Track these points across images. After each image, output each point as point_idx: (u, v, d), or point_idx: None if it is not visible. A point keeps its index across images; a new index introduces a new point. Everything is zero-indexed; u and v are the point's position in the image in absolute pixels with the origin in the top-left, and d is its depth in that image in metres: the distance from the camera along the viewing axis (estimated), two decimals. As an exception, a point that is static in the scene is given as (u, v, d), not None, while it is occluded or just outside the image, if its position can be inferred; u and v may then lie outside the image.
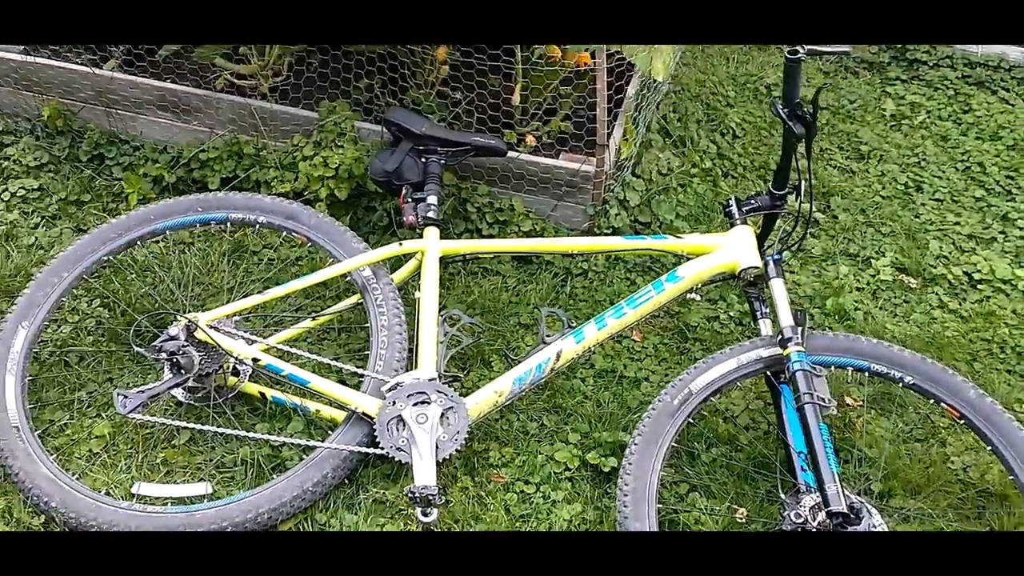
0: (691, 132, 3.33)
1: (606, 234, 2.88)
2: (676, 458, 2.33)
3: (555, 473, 2.30)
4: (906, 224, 3.15)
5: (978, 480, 2.31)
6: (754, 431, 2.44)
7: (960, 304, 2.90)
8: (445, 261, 2.59)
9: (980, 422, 2.17)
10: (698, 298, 2.85)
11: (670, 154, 3.25)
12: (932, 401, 2.24)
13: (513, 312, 2.74)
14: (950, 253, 3.05)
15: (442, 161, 2.66)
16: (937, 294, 2.92)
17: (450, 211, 2.92)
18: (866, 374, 2.28)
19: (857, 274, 2.97)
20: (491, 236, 2.90)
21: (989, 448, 2.16)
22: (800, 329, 2.24)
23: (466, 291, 2.82)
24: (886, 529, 2.09)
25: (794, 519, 2.06)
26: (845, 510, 2.02)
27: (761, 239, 2.48)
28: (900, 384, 2.25)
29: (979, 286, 2.95)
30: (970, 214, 3.21)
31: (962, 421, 2.20)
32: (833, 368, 2.29)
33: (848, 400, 2.53)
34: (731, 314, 2.79)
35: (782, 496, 2.15)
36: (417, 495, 2.04)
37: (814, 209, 3.08)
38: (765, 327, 2.37)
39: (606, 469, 2.28)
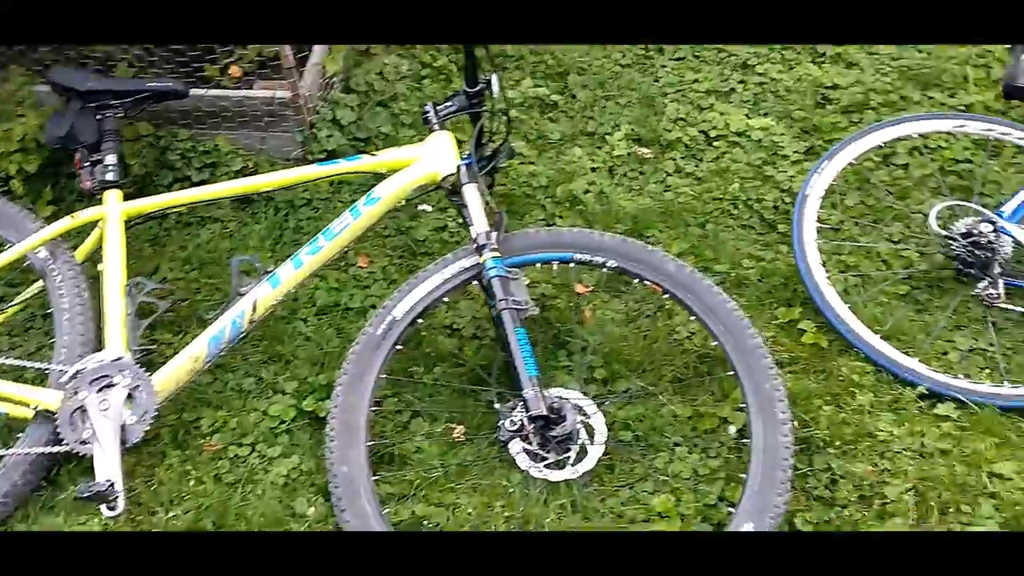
0: (415, 31, 3.14)
1: (319, 160, 2.70)
2: (396, 386, 2.25)
3: (271, 429, 2.20)
4: (644, 91, 3.06)
5: (700, 345, 2.29)
6: (479, 341, 2.37)
7: (697, 166, 2.84)
8: (133, 224, 2.39)
9: (681, 293, 2.13)
10: (429, 209, 2.74)
11: (397, 58, 3.06)
12: (637, 280, 2.18)
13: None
14: (688, 114, 2.98)
15: (119, 115, 2.43)
16: (674, 159, 2.86)
17: (152, 164, 2.71)
18: (571, 264, 2.20)
19: (593, 154, 2.88)
20: (202, 182, 2.71)
21: (693, 317, 2.13)
22: (496, 233, 2.15)
23: (181, 246, 2.63)
24: (599, 420, 2.06)
25: (509, 428, 2.01)
26: (544, 412, 1.97)
27: (478, 142, 2.36)
28: (604, 268, 2.19)
29: (715, 143, 2.89)
30: (710, 68, 3.13)
31: (666, 295, 2.16)
32: (538, 265, 2.21)
33: (580, 289, 2.48)
34: (460, 221, 2.67)
35: (497, 406, 2.10)
36: (86, 493, 1.91)
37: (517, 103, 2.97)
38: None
39: (322, 414, 2.18)
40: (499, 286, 2.08)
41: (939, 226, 2.35)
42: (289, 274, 2.23)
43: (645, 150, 2.87)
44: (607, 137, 2.91)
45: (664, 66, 3.16)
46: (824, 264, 2.40)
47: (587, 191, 2.74)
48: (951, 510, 1.96)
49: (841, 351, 2.29)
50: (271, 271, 2.24)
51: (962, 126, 2.55)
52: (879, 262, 2.51)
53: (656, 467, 2.09)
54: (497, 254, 2.11)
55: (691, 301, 2.12)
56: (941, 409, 2.15)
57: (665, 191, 2.76)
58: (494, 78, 2.26)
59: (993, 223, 2.29)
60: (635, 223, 2.63)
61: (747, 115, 2.95)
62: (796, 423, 2.09)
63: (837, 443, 2.08)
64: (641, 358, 2.28)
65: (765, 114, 2.96)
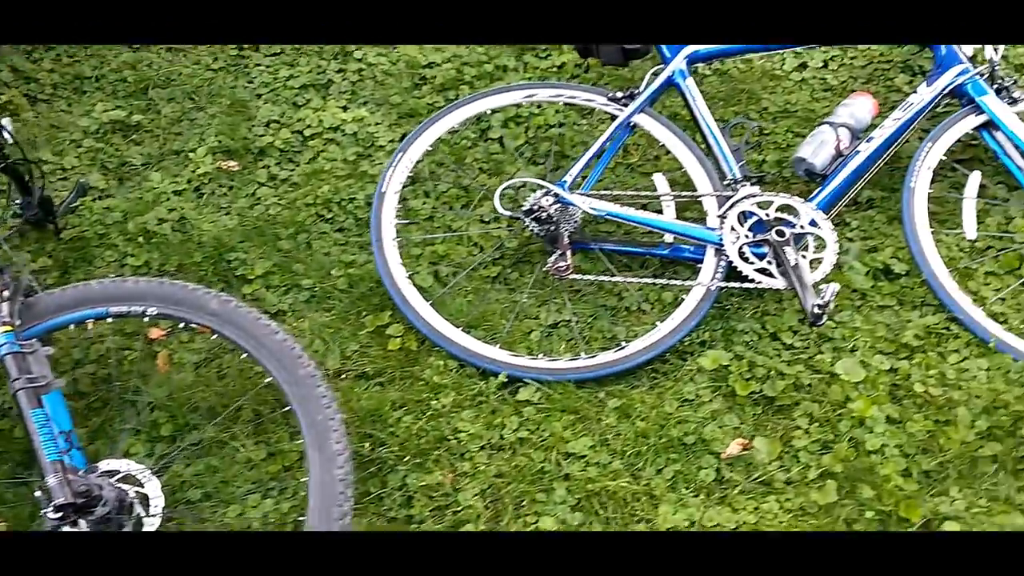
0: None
1: None
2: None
3: None
4: (236, 96, 2.85)
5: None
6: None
7: (292, 171, 2.68)
8: None
9: (230, 331, 1.97)
10: None
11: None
12: (183, 325, 2.00)
13: None
14: (282, 114, 2.80)
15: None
16: (267, 167, 2.68)
17: None
18: (108, 320, 1.99)
19: (177, 175, 2.65)
20: None
21: (245, 355, 1.97)
22: (8, 304, 1.90)
23: None
24: (155, 487, 1.88)
25: (52, 517, 1.79)
26: (70, 500, 1.76)
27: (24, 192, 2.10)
28: (145, 317, 1.99)
29: (310, 143, 2.74)
30: (307, 60, 2.96)
31: (215, 335, 2.00)
32: (72, 327, 1.99)
33: (154, 334, 2.27)
34: None
35: (38, 495, 1.87)
36: None
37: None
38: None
39: None
40: (12, 364, 1.85)
41: (504, 206, 2.30)
42: None
43: (232, 163, 2.67)
44: (191, 155, 2.69)
45: (259, 64, 2.96)
46: (406, 261, 2.31)
47: (165, 220, 2.52)
48: (525, 503, 1.93)
49: (430, 352, 2.22)
50: None
51: (532, 95, 2.51)
52: (471, 247, 2.45)
53: (227, 522, 1.93)
54: (8, 328, 1.87)
55: (240, 338, 1.97)
56: (523, 394, 2.12)
57: (254, 205, 2.58)
58: (5, 121, 2.02)
59: (556, 195, 2.27)
60: (218, 247, 2.44)
61: (344, 108, 2.81)
62: (370, 443, 2.00)
63: (414, 455, 2.00)
64: (214, 403, 2.11)
65: (365, 103, 2.83)
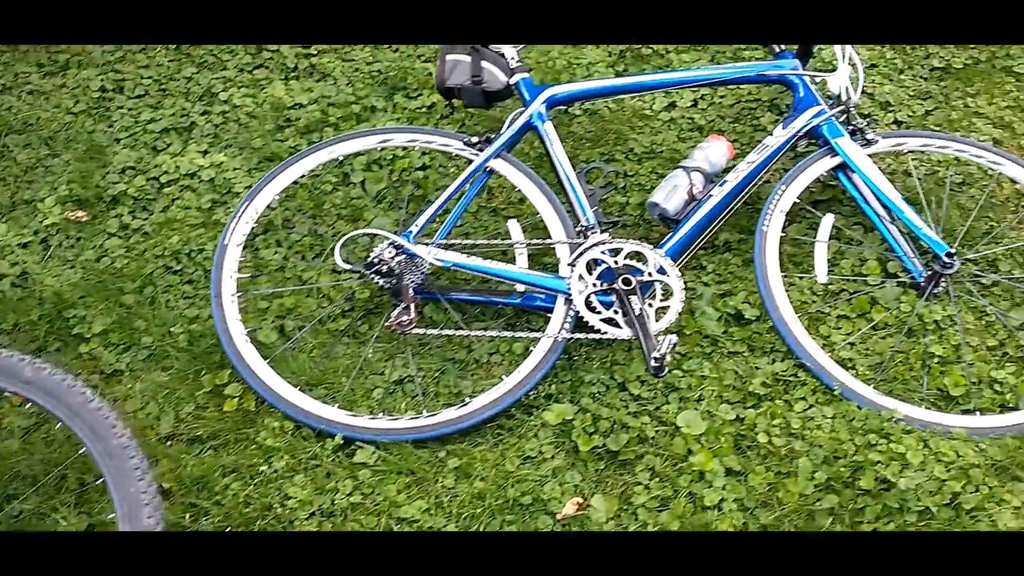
0: None
1: None
2: None
3: None
4: (94, 141, 2.77)
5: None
6: None
7: (144, 220, 2.60)
8: None
9: (44, 399, 1.89)
10: None
11: None
12: (-3, 394, 1.92)
13: None
14: (140, 160, 2.73)
15: None
16: (119, 217, 2.60)
17: None
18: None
19: (22, 228, 2.57)
20: None
21: (59, 424, 1.89)
22: None
23: None
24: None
25: None
26: None
27: None
28: (-45, 390, 1.90)
29: (166, 190, 2.66)
30: (173, 101, 2.88)
31: (29, 404, 1.91)
32: None
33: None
34: None
35: None
36: None
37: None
38: None
39: None
40: None
41: (351, 258, 2.24)
42: None
43: (81, 213, 2.59)
44: (39, 204, 2.60)
45: (120, 107, 2.88)
46: (250, 316, 2.25)
47: (6, 275, 2.43)
48: (349, 573, 1.87)
49: (269, 412, 2.15)
50: None
51: (387, 141, 2.47)
52: (321, 299, 2.39)
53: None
54: None
55: (55, 406, 1.89)
56: (359, 456, 2.06)
57: (101, 257, 2.50)
58: None
59: (399, 247, 2.22)
60: (57, 303, 2.36)
61: (204, 152, 2.74)
62: (192, 514, 1.92)
63: (237, 526, 1.93)
64: (38, 472, 2.03)
65: (227, 147, 2.76)
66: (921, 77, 2.90)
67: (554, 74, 2.82)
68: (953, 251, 2.25)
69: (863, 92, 2.70)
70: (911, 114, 2.79)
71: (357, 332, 2.32)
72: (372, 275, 2.21)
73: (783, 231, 2.32)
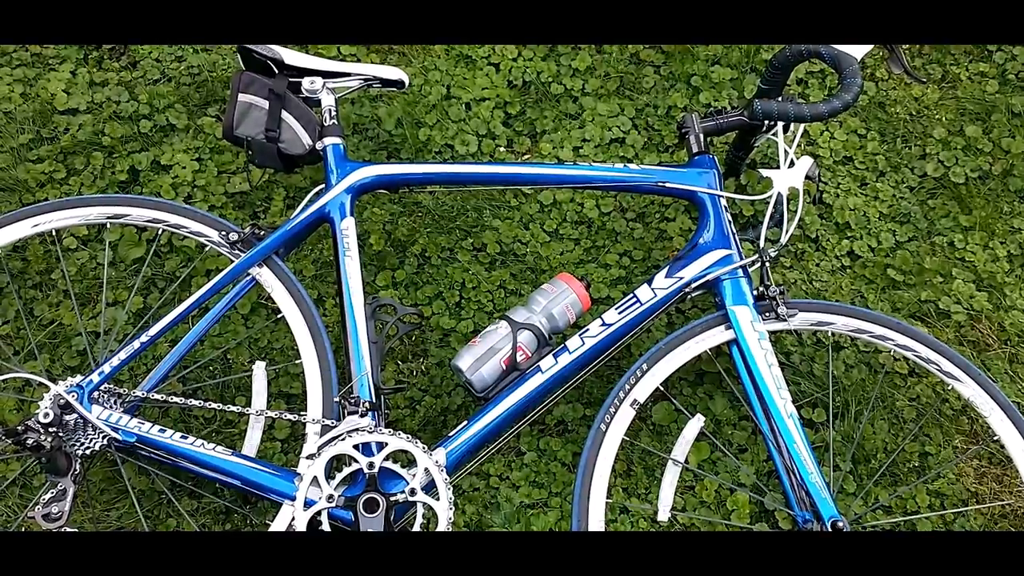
0: None
1: None
2: None
3: None
4: None
5: None
6: None
7: None
8: None
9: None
10: None
11: None
12: None
13: None
14: None
15: None
16: None
17: None
18: None
19: None
20: None
21: None
22: None
23: None
24: None
25: None
26: None
27: None
28: None
29: None
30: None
31: None
32: None
33: None
34: None
35: None
36: None
37: None
38: None
39: None
40: None
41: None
42: None
43: None
44: None
45: None
46: None
47: None
48: None
49: None
50: None
51: (122, 215, 1.80)
52: None
53: None
54: None
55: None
56: None
57: None
58: None
59: (64, 405, 1.57)
60: None
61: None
62: None
63: None
64: None
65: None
66: (906, 186, 2.15)
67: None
68: (841, 520, 1.57)
69: (818, 201, 1.98)
70: (872, 246, 2.06)
71: (29, 484, 1.72)
72: (15, 444, 1.54)
73: (627, 430, 1.65)
